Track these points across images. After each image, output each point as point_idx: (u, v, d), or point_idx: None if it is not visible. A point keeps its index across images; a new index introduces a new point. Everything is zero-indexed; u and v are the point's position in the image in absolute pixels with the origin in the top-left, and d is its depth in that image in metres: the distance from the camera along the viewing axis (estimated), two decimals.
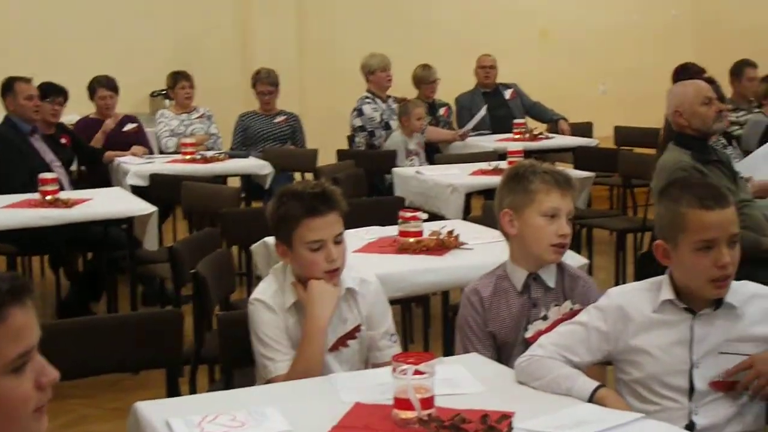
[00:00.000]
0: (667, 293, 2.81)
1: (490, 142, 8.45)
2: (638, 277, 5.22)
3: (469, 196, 6.66)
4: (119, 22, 10.29)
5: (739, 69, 8.60)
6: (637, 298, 2.87)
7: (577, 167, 7.70)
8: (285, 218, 3.18)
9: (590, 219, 7.38)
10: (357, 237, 4.63)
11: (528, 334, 3.21)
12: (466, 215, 6.45)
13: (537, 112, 9.71)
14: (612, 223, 7.39)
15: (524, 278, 3.27)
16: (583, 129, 9.60)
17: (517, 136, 8.56)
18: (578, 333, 2.86)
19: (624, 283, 6.74)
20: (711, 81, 6.38)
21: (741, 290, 2.83)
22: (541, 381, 2.76)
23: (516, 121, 8.88)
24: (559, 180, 3.24)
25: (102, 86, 8.01)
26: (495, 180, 6.51)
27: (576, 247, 6.86)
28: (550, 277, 3.28)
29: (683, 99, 5.04)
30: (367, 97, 8.49)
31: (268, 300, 3.21)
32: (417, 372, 2.46)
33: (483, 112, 8.91)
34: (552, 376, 2.74)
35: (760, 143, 6.35)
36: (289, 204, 3.18)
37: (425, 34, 11.24)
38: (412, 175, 6.88)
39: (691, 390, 2.78)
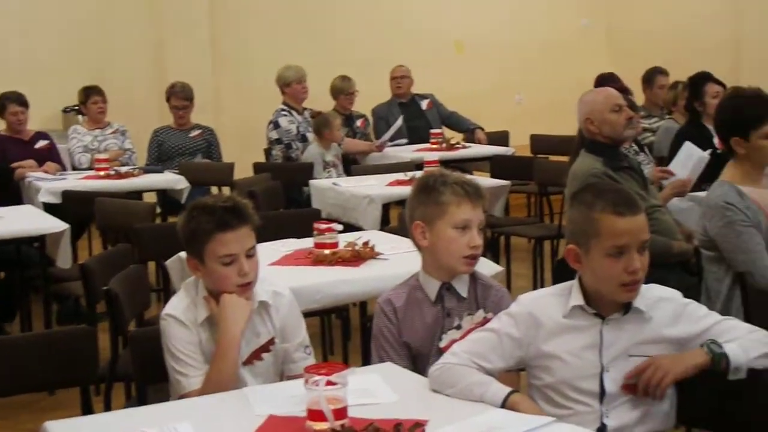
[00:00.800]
0: (577, 299, 2.85)
1: (407, 152, 8.49)
2: (555, 283, 5.27)
3: (386, 207, 6.67)
4: (29, 35, 10.11)
5: (651, 76, 8.75)
6: (547, 304, 2.90)
7: (493, 176, 7.77)
8: (196, 233, 3.15)
9: (507, 227, 7.44)
10: (272, 250, 4.62)
11: (442, 344, 3.22)
12: (384, 226, 6.46)
13: (454, 121, 9.75)
14: (529, 230, 7.45)
15: (437, 288, 3.28)
16: (500, 138, 9.68)
17: (434, 146, 8.60)
18: (490, 340, 2.88)
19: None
20: (624, 90, 6.49)
21: (648, 294, 2.87)
22: (454, 388, 2.76)
23: (433, 131, 8.92)
24: (470, 191, 3.24)
25: (12, 102, 7.87)
26: None
27: (494, 254, 6.94)
28: (462, 287, 3.29)
29: (593, 107, 5.10)
30: (283, 110, 8.45)
31: (180, 315, 3.18)
32: (329, 383, 2.45)
33: (399, 122, 8.94)
34: (465, 383, 2.75)
35: (672, 149, 6.44)
36: (199, 218, 3.16)
37: (340, 46, 11.22)
38: (329, 187, 6.88)
39: (602, 393, 2.81)
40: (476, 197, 3.25)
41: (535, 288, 6.93)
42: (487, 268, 4.22)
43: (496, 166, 8.14)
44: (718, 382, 2.79)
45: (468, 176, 3.42)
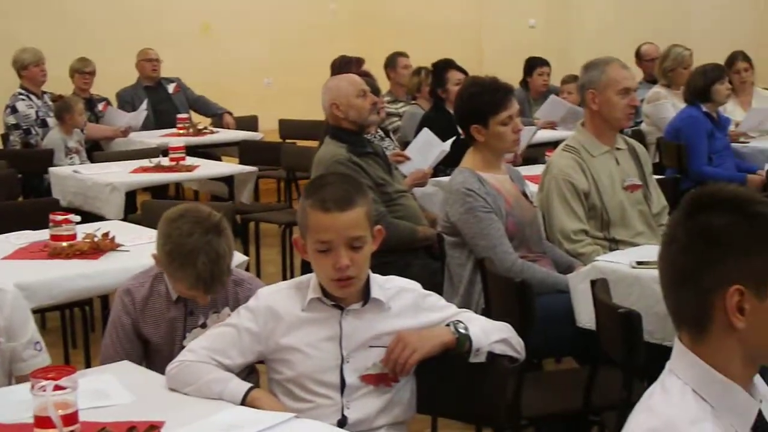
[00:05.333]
0: (315, 291, 2.82)
1: (153, 137, 8.28)
2: (304, 268, 5.26)
3: (132, 195, 6.48)
4: None
5: (393, 60, 8.91)
6: (286, 296, 2.85)
7: (242, 161, 7.71)
8: None
9: (256, 213, 7.38)
10: (7, 242, 4.42)
11: (185, 342, 3.11)
12: (130, 214, 6.28)
13: (201, 106, 9.61)
14: (278, 216, 7.40)
15: None
16: (248, 122, 9.60)
17: (181, 131, 8.44)
18: (229, 335, 2.81)
19: (292, 275, 6.80)
20: (366, 74, 6.55)
21: (388, 285, 2.88)
22: (192, 386, 2.70)
23: (180, 116, 8.75)
24: (205, 281, 3.05)
25: None
26: (156, 177, 6.51)
27: (243, 241, 6.87)
28: None
29: (339, 92, 5.12)
30: (20, 94, 8.09)
31: None
32: (57, 387, 2.33)
33: (144, 106, 8.74)
34: (203, 381, 2.69)
35: (417, 135, 6.54)
36: None
37: (82, 28, 10.85)
38: (69, 175, 6.60)
39: (343, 385, 2.80)
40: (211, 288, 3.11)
41: (284, 274, 6.96)
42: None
43: (245, 151, 8.06)
44: (457, 371, 2.84)
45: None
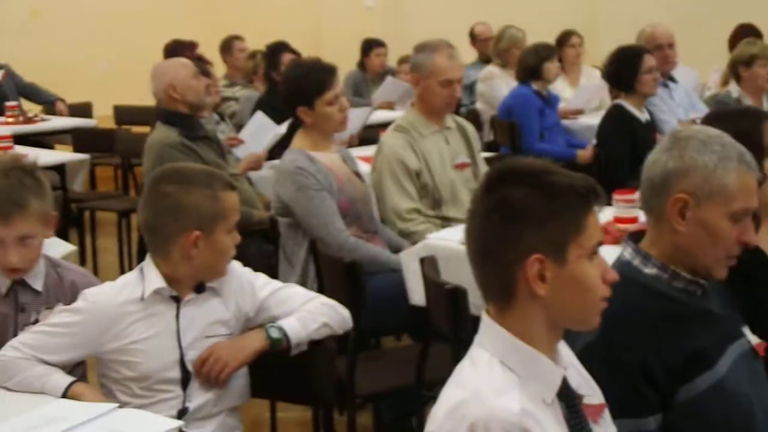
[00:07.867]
0: (155, 283, 2.78)
1: None
2: (141, 256, 5.20)
3: None
4: None
5: (228, 44, 8.84)
6: (117, 295, 2.79)
7: (76, 149, 7.52)
8: None
9: (92, 201, 7.24)
10: None
11: None
12: None
13: (31, 93, 9.31)
14: (114, 203, 7.28)
15: (9, 282, 3.00)
16: (82, 109, 9.37)
17: (11, 120, 8.18)
18: (53, 334, 2.74)
19: (130, 264, 6.70)
20: (200, 58, 6.52)
21: None
22: (14, 380, 2.64)
23: (9, 103, 8.45)
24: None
25: None
26: None
27: (79, 230, 6.74)
28: (37, 282, 3.01)
29: (175, 74, 5.13)
30: None
31: None
32: None
33: None
34: (24, 375, 2.64)
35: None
36: None
37: None
38: None
39: (186, 378, 2.79)
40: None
41: (122, 262, 6.85)
42: (60, 247, 4.05)
43: (78, 139, 7.86)
44: (287, 356, 2.87)
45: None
